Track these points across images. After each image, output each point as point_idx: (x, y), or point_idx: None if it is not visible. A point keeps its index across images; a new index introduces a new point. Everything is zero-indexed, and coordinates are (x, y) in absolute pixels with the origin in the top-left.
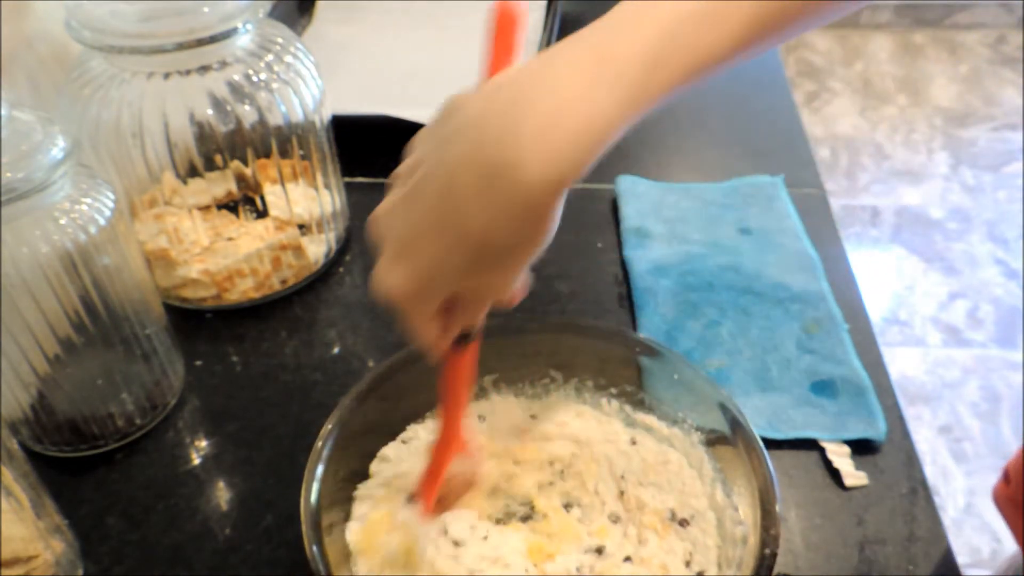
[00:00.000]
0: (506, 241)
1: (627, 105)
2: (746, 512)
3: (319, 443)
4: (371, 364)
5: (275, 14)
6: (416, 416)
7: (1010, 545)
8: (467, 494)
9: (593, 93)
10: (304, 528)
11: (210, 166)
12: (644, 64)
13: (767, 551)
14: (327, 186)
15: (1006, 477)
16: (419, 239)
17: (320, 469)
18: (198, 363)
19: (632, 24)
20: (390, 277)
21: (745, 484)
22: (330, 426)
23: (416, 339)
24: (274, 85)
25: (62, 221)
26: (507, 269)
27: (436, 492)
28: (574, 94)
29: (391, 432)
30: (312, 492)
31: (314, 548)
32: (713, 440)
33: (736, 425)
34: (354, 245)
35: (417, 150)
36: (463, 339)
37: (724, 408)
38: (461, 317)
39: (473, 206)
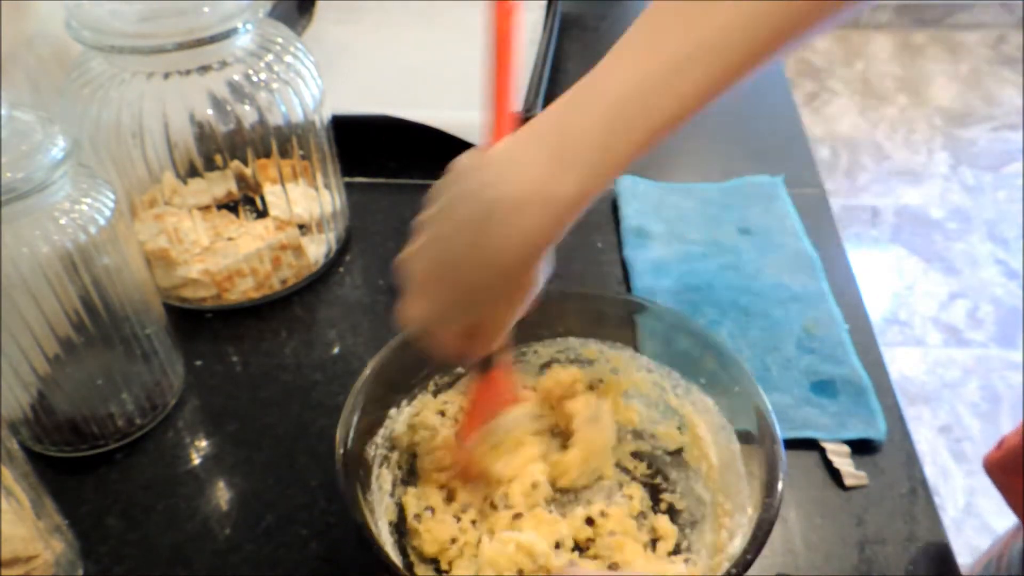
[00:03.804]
0: (493, 295)
1: (588, 182)
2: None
3: (357, 387)
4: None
5: (275, 14)
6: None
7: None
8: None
9: (554, 178)
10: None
11: (210, 166)
12: (599, 144)
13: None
14: (327, 186)
15: (999, 444)
16: (430, 283)
17: (355, 417)
18: (198, 363)
19: (585, 103)
20: (410, 310)
21: (754, 488)
22: (368, 372)
23: (436, 357)
24: (274, 85)
25: (62, 221)
26: (500, 313)
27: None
28: (537, 182)
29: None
30: (348, 439)
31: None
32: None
33: (765, 430)
34: (354, 245)
35: (433, 205)
36: (486, 363)
37: (758, 412)
38: (478, 344)
39: (465, 267)
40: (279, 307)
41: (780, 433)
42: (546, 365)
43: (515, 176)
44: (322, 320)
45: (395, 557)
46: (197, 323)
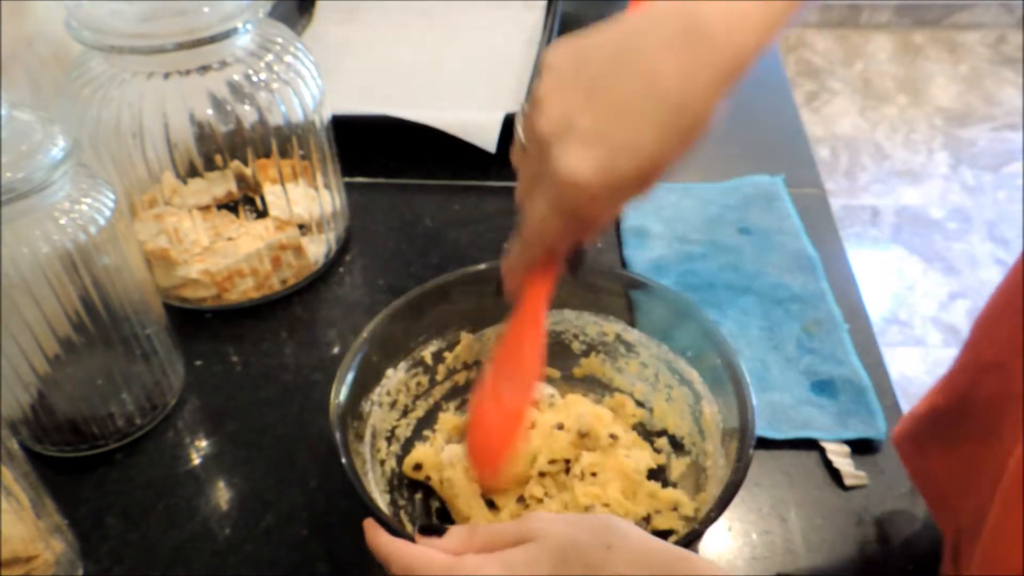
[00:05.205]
0: (690, 122)
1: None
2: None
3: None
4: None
5: (275, 14)
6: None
7: None
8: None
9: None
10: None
11: (210, 166)
12: None
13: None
14: (327, 186)
15: (908, 416)
16: (624, 131)
17: (351, 376)
18: (198, 363)
19: None
20: (583, 162)
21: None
22: (365, 335)
23: (539, 229)
24: (274, 85)
25: (62, 221)
26: (669, 150)
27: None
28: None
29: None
30: (343, 392)
31: (338, 434)
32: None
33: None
34: (354, 245)
35: (577, 48)
36: (575, 262)
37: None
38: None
39: (654, 79)
40: (279, 307)
41: (774, 437)
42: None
43: (732, 7)
44: (322, 320)
45: (383, 507)
46: (197, 323)
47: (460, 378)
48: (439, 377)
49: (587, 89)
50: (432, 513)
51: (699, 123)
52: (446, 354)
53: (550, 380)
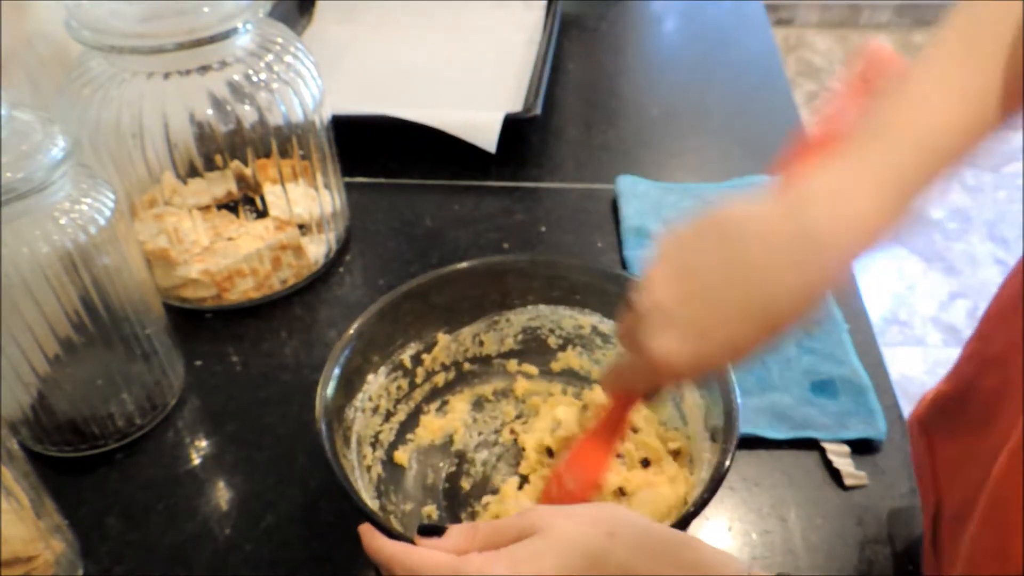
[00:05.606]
0: (789, 323)
1: (898, 219)
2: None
3: (338, 346)
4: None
5: (275, 14)
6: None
7: None
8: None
9: (882, 214)
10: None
11: (210, 166)
12: (912, 184)
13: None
14: (327, 186)
15: (921, 402)
16: (718, 326)
17: (337, 371)
18: (198, 363)
19: (903, 144)
20: (674, 347)
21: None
22: (351, 331)
23: (628, 379)
24: (274, 85)
25: (62, 221)
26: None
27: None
28: (868, 218)
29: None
30: (329, 387)
31: (323, 424)
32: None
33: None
34: (354, 245)
35: (686, 239)
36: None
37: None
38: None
39: (770, 299)
40: (279, 307)
41: (774, 437)
42: (520, 333)
43: (847, 211)
44: (322, 320)
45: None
46: (197, 323)
47: (439, 380)
48: (418, 380)
49: (690, 282)
50: (422, 517)
51: (792, 322)
52: (424, 356)
53: (528, 376)
